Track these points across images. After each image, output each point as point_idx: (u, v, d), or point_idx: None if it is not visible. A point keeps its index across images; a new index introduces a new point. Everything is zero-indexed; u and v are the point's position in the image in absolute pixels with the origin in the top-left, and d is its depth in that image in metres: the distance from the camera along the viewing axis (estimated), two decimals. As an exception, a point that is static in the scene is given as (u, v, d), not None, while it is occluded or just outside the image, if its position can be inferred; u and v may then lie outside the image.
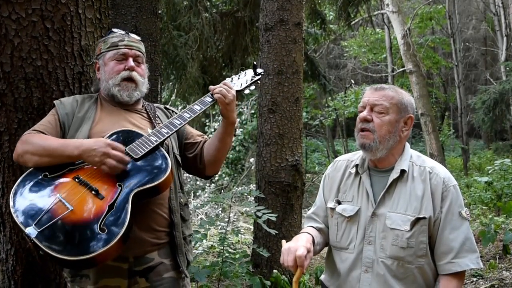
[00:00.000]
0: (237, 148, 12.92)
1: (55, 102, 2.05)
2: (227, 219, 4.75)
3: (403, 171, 1.89)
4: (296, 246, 1.80)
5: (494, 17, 17.25)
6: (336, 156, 16.06)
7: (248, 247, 6.23)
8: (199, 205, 8.03)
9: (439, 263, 1.85)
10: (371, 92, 1.94)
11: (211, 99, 2.07)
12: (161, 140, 1.92)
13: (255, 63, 2.29)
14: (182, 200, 2.11)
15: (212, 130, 11.33)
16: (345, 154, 2.21)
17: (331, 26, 10.74)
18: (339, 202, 2.00)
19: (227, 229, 4.37)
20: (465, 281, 4.55)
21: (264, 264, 4.65)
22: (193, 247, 5.05)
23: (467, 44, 20.78)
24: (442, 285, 1.84)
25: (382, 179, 1.93)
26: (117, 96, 2.03)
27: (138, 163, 1.86)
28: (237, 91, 2.14)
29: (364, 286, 1.88)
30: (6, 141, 2.20)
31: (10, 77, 2.14)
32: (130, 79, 2.04)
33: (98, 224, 1.70)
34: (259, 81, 2.26)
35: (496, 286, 4.51)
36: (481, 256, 2.48)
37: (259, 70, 2.24)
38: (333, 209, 2.01)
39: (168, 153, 2.01)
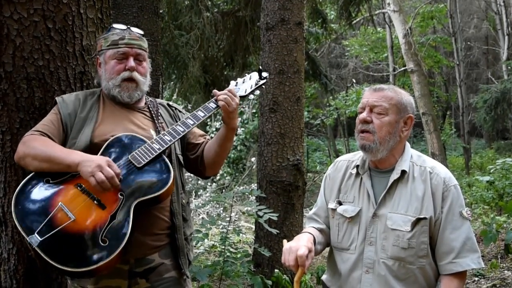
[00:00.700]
0: (238, 148, 12.91)
1: (57, 99, 2.03)
2: (228, 219, 4.75)
3: (403, 172, 1.89)
4: (298, 246, 1.80)
5: (496, 16, 17.22)
6: (337, 156, 16.07)
7: (250, 247, 6.23)
8: (200, 204, 8.03)
9: (440, 263, 1.85)
10: (370, 93, 1.93)
11: (215, 105, 2.05)
12: (164, 148, 1.91)
13: (260, 67, 2.26)
14: (184, 200, 2.11)
15: (214, 129, 11.32)
16: (345, 154, 2.21)
17: (332, 25, 10.74)
18: (340, 203, 2.00)
19: (229, 228, 4.37)
20: (467, 281, 4.55)
21: (265, 264, 4.66)
22: (194, 246, 5.06)
23: (468, 43, 20.74)
24: (443, 285, 1.84)
25: (383, 180, 1.93)
26: (118, 97, 2.02)
27: (141, 171, 1.84)
28: (241, 96, 2.12)
29: (365, 287, 1.88)
30: (8, 140, 2.20)
31: (12, 77, 2.15)
32: (130, 79, 2.01)
33: (100, 235, 1.69)
34: (263, 86, 2.23)
35: (497, 285, 4.51)
36: (482, 256, 2.48)
37: (264, 74, 2.21)
38: (334, 210, 2.01)
39: (170, 154, 2.01)
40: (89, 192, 1.78)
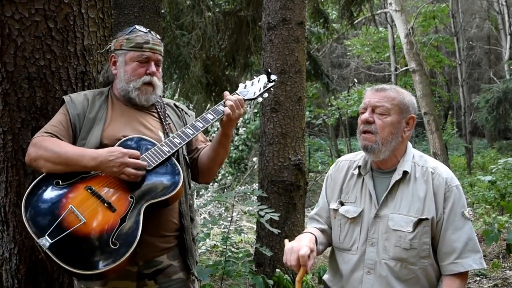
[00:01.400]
0: (240, 147, 12.92)
1: (65, 98, 2.02)
2: (230, 219, 4.75)
3: (405, 173, 1.89)
4: (299, 246, 1.80)
5: (498, 16, 17.18)
6: (339, 155, 16.07)
7: (251, 246, 6.23)
8: (202, 204, 8.02)
9: (442, 264, 1.85)
10: (372, 93, 1.92)
11: (224, 107, 2.04)
12: (174, 151, 1.92)
13: (269, 70, 2.26)
14: (190, 201, 2.12)
15: (216, 129, 11.32)
16: (347, 154, 2.20)
17: (334, 25, 10.72)
18: (342, 203, 2.00)
19: (230, 228, 4.37)
20: (469, 281, 4.54)
21: (267, 263, 4.65)
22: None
23: (470, 42, 20.70)
24: (445, 285, 1.83)
25: (385, 180, 1.93)
26: (135, 100, 2.03)
27: (151, 174, 1.85)
28: (250, 99, 2.12)
29: None
30: (10, 140, 2.20)
31: (13, 77, 2.15)
32: (150, 84, 2.03)
33: (110, 238, 1.70)
34: (272, 88, 2.23)
35: (499, 285, 4.50)
36: (484, 256, 2.47)
37: (273, 77, 2.20)
38: (336, 210, 2.01)
39: (178, 155, 2.01)
40: (99, 195, 1.78)
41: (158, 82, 2.06)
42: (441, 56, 17.91)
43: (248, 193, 7.75)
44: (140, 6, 4.39)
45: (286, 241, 1.90)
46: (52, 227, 1.69)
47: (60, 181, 1.82)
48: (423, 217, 1.82)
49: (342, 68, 22.34)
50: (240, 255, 4.19)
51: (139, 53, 2.01)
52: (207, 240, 5.16)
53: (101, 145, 1.91)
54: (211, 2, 7.92)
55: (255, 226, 5.87)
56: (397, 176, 1.89)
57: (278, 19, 4.80)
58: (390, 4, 13.31)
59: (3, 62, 2.13)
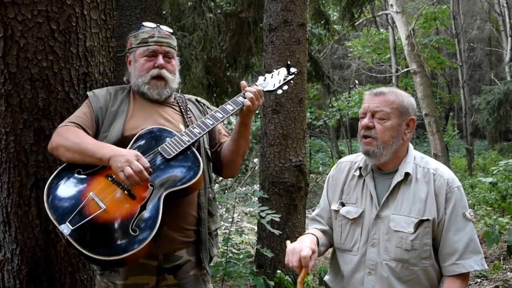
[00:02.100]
0: (241, 148, 12.90)
1: (88, 93, 2.06)
2: (231, 220, 4.76)
3: (407, 174, 1.89)
4: (301, 247, 1.80)
5: (499, 17, 17.18)
6: (340, 157, 16.06)
7: (252, 248, 6.23)
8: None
9: (443, 265, 1.85)
10: (371, 97, 1.92)
11: (244, 99, 2.03)
12: (194, 140, 1.92)
13: (289, 62, 2.26)
14: (210, 195, 2.12)
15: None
16: (348, 155, 2.20)
17: (335, 26, 10.72)
18: (343, 204, 2.00)
19: (231, 229, 4.37)
20: (469, 282, 4.54)
21: (267, 265, 4.65)
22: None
23: (471, 44, 20.70)
24: (446, 286, 1.84)
25: (386, 181, 1.93)
26: (147, 94, 2.05)
27: (170, 163, 1.86)
28: (270, 91, 2.13)
29: (367, 288, 1.88)
30: (12, 141, 2.20)
31: (16, 78, 2.16)
32: (159, 77, 2.04)
33: (130, 225, 1.71)
34: (291, 81, 2.22)
35: (500, 287, 4.50)
36: (485, 257, 2.46)
37: (292, 70, 2.20)
38: (337, 211, 2.01)
39: (199, 147, 2.02)
40: (120, 182, 1.79)
41: (169, 74, 2.06)
42: (442, 57, 17.92)
43: (249, 194, 7.76)
44: (142, 8, 4.40)
45: (288, 242, 1.90)
46: (73, 214, 1.71)
47: (81, 170, 1.84)
48: (425, 218, 1.82)
49: (343, 69, 22.34)
50: (241, 256, 4.20)
51: (145, 48, 2.03)
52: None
53: (123, 137, 1.94)
54: (212, 4, 7.94)
55: (256, 227, 5.88)
56: (398, 177, 1.89)
57: (279, 21, 4.81)
58: (391, 5, 13.33)
59: (6, 63, 2.14)
